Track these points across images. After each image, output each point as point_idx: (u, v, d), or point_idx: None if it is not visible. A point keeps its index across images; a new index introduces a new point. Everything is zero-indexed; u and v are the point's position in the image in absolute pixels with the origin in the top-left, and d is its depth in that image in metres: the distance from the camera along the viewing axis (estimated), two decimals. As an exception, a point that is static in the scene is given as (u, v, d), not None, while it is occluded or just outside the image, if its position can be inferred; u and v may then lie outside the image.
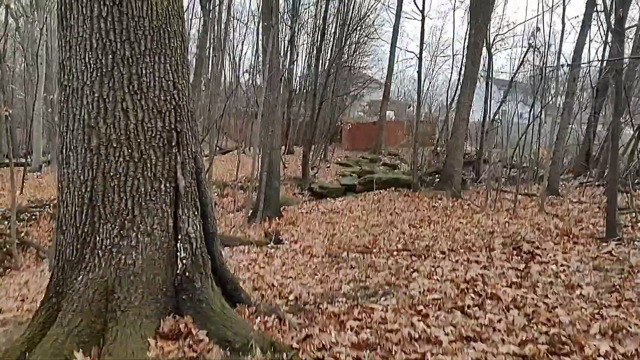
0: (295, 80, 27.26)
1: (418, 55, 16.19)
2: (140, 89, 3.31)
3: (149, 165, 3.30)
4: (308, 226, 9.78)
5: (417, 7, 16.60)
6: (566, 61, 15.44)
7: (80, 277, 3.12)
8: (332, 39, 22.08)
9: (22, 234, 12.72)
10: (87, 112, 3.26)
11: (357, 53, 24.90)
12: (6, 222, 13.41)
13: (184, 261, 3.28)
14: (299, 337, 3.32)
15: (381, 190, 14.75)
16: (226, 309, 3.34)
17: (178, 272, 3.26)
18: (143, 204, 3.26)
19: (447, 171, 14.21)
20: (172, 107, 3.44)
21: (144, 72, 3.32)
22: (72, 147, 3.31)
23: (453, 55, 24.00)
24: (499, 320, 3.51)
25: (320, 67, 21.11)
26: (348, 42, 21.79)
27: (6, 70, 22.98)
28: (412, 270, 5.21)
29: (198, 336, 3.08)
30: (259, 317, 3.67)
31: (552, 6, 26.45)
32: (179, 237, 3.33)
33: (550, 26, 42.80)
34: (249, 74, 23.01)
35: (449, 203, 11.77)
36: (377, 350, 3.09)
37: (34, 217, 13.75)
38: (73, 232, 3.25)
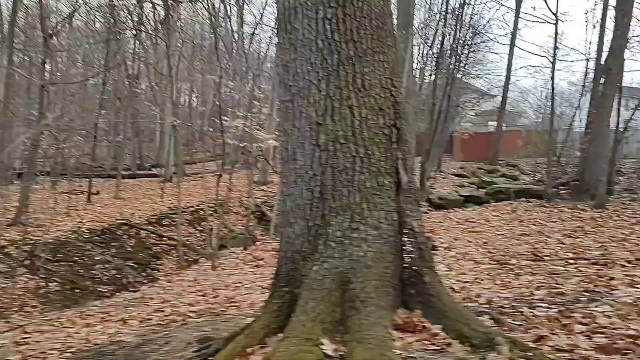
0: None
1: (551, 60, 15.42)
2: (364, 86, 3.40)
3: (373, 161, 3.36)
4: (449, 234, 9.55)
5: (550, 10, 15.70)
6: None
7: (316, 267, 3.23)
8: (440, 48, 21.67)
9: (166, 238, 13.73)
10: (314, 110, 3.40)
11: (471, 62, 24.22)
12: (151, 227, 14.64)
13: (411, 255, 3.28)
14: (531, 338, 3.19)
15: (512, 202, 14.11)
16: (455, 304, 3.29)
17: (406, 265, 3.27)
18: (369, 198, 3.32)
19: (587, 181, 13.28)
20: (391, 104, 3.49)
21: (366, 70, 3.41)
22: (299, 144, 3.46)
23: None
24: None
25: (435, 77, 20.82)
26: (464, 52, 21.27)
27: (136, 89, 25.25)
28: (607, 278, 4.87)
29: (432, 330, 3.06)
30: (470, 317, 3.59)
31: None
32: (404, 231, 3.35)
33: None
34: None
35: (595, 214, 10.97)
36: (628, 355, 2.89)
37: (173, 222, 14.77)
38: (303, 224, 3.39)
